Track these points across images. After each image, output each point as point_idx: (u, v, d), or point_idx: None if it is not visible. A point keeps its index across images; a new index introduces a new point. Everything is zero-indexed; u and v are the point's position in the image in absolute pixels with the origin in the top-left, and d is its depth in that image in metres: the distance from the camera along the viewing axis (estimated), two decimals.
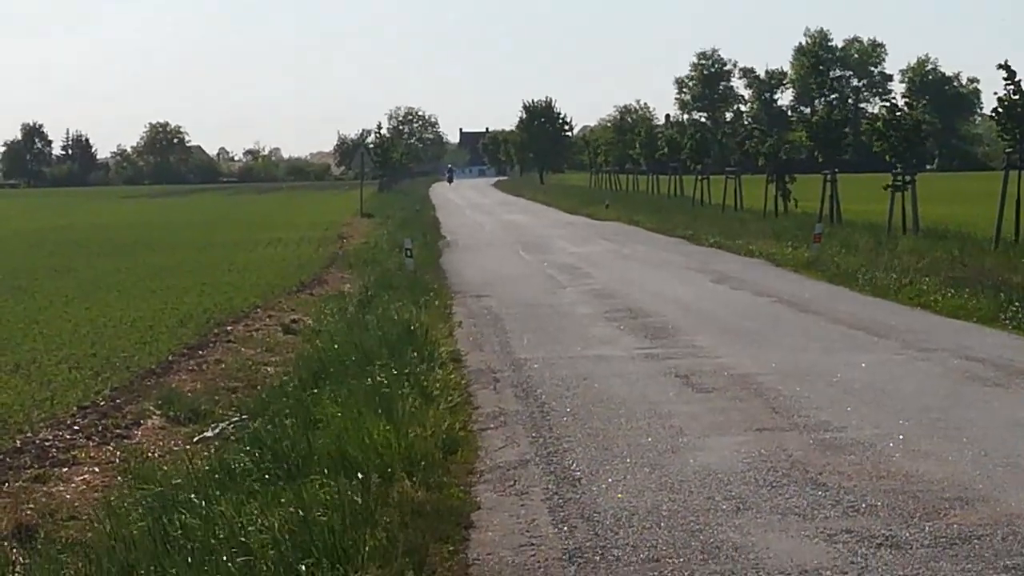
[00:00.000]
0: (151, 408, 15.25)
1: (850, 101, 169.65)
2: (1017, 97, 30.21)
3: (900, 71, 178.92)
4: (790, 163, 49.22)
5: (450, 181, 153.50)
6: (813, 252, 32.50)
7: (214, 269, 34.78)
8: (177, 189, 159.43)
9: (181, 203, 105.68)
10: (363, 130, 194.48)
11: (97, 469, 12.73)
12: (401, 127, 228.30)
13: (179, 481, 11.24)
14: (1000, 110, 30.84)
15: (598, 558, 9.28)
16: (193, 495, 10.52)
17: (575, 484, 11.26)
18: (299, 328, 22.33)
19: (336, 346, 17.91)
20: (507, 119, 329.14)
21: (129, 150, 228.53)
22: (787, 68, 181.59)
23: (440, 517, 10.19)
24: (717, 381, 15.99)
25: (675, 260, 34.84)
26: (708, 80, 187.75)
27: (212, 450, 12.87)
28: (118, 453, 13.32)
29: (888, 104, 39.31)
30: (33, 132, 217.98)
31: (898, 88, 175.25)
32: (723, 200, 55.53)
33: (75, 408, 15.26)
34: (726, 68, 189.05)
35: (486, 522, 10.28)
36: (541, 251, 39.67)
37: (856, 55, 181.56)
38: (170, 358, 19.11)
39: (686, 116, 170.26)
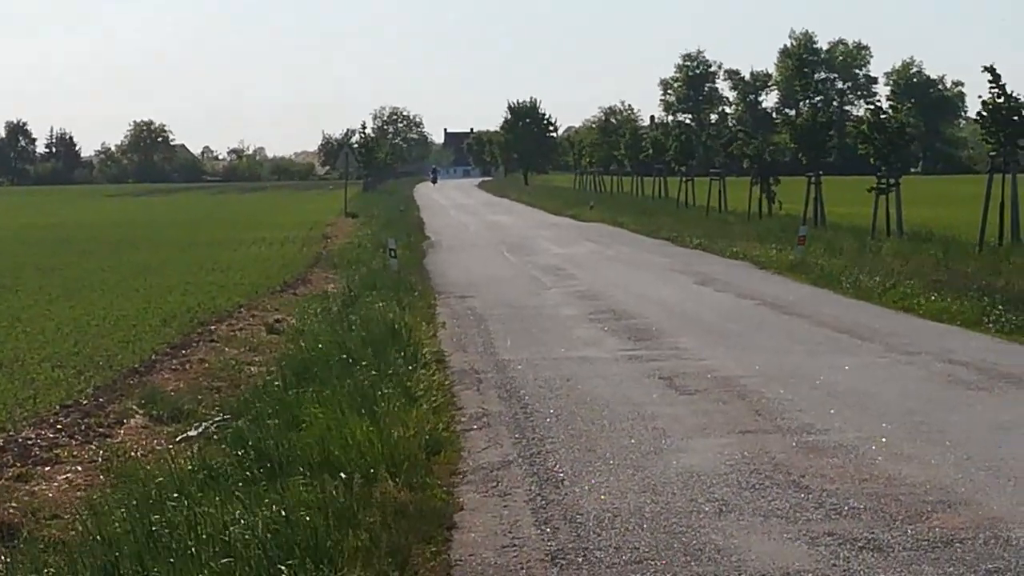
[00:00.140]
0: (134, 407, 15.23)
1: (835, 104, 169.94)
2: (1001, 100, 30.30)
3: (885, 74, 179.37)
4: (774, 165, 49.32)
5: (434, 182, 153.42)
6: (797, 254, 32.53)
7: (198, 268, 34.73)
8: (161, 188, 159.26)
9: (165, 202, 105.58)
10: (348, 130, 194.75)
11: (80, 468, 12.71)
12: (386, 127, 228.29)
13: (161, 480, 11.21)
14: (984, 113, 30.94)
15: (581, 559, 9.28)
16: (176, 494, 10.51)
17: (558, 485, 11.27)
18: (283, 328, 22.31)
19: (320, 346, 17.90)
20: (492, 120, 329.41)
21: (113, 148, 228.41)
22: (772, 70, 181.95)
23: (423, 518, 10.19)
24: (700, 383, 16.00)
25: (659, 262, 34.86)
26: (693, 82, 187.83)
27: (195, 450, 12.84)
28: (101, 452, 13.29)
29: (873, 107, 39.41)
30: (17, 130, 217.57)
31: (883, 91, 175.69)
32: (707, 202, 55.64)
33: (58, 407, 15.22)
34: (711, 70, 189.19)
35: (469, 523, 10.28)
36: (525, 252, 39.68)
37: (841, 57, 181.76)
38: (153, 357, 19.07)
39: (671, 117, 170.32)
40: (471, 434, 13.57)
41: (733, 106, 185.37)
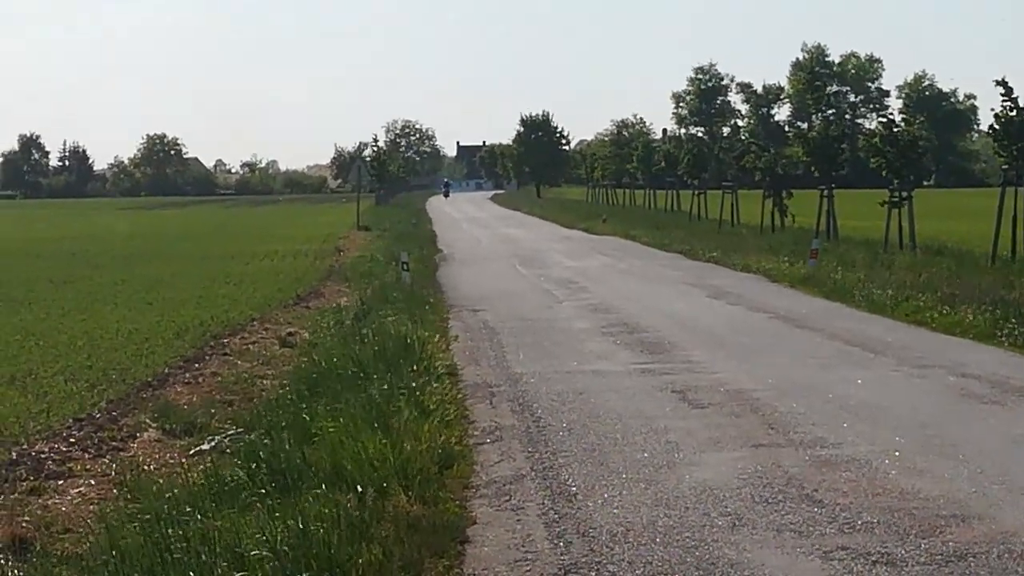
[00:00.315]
0: (147, 421, 15.24)
1: (847, 117, 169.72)
2: (1014, 114, 30.26)
3: (897, 87, 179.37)
4: (787, 178, 49.25)
5: (447, 195, 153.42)
6: (810, 268, 32.51)
7: (210, 281, 34.75)
8: (174, 201, 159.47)
9: (178, 215, 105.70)
10: (360, 143, 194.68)
11: (93, 482, 12.72)
12: (398, 140, 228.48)
13: (174, 494, 11.22)
14: (997, 127, 30.89)
15: (594, 574, 9.28)
16: (188, 508, 10.52)
17: (571, 499, 11.26)
18: (295, 341, 22.32)
19: (333, 359, 17.90)
20: (504, 133, 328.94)
21: (126, 161, 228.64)
22: (784, 83, 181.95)
23: (436, 532, 10.19)
24: (713, 397, 15.99)
25: (672, 275, 34.85)
26: (705, 95, 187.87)
27: (208, 463, 12.86)
28: (114, 466, 13.31)
29: (885, 120, 39.34)
30: (30, 143, 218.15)
31: (895, 104, 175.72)
32: (720, 215, 55.60)
33: (71, 420, 15.24)
34: (723, 83, 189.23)
35: (482, 537, 10.28)
36: (538, 265, 39.67)
37: (853, 71, 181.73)
38: (166, 370, 19.09)
39: (683, 131, 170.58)
40: (484, 448, 13.57)
41: (745, 119, 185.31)
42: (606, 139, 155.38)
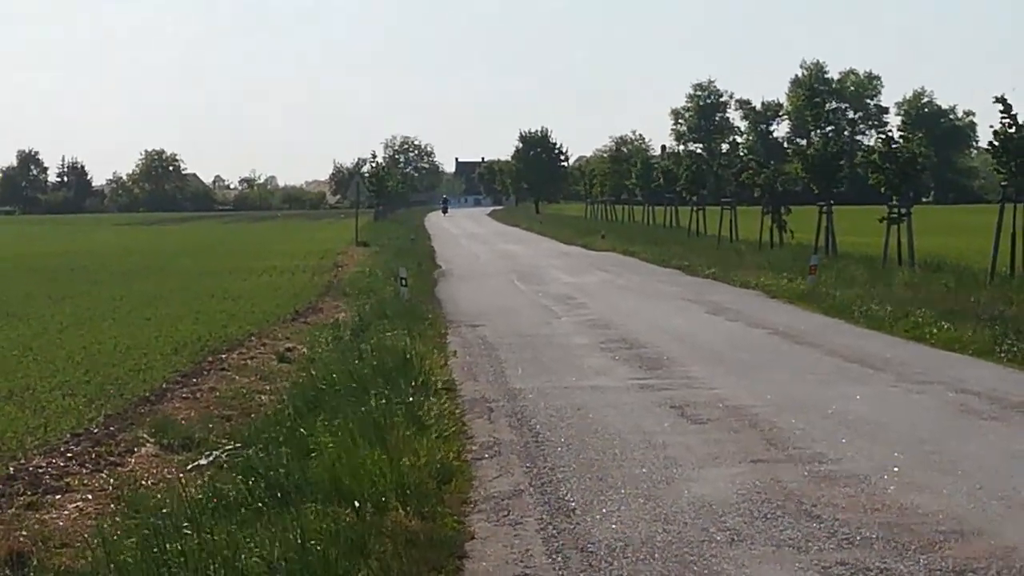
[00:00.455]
0: (145, 436, 15.21)
1: (846, 133, 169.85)
2: (1013, 130, 30.27)
3: (896, 104, 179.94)
4: (786, 195, 49.29)
5: (445, 211, 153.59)
6: (809, 284, 32.50)
7: (208, 297, 34.73)
8: (172, 217, 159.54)
9: (176, 231, 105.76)
10: (359, 159, 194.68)
11: (90, 496, 12.70)
12: (397, 156, 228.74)
13: (172, 509, 11.19)
14: (996, 143, 30.89)
15: None
16: (186, 523, 10.49)
17: (569, 515, 11.24)
18: (294, 357, 22.31)
19: (331, 375, 17.88)
20: (503, 149, 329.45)
21: (124, 177, 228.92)
22: (783, 100, 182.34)
23: (434, 547, 10.17)
24: (712, 412, 15.97)
25: (670, 291, 34.84)
26: (704, 111, 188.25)
27: (206, 478, 12.84)
28: (111, 481, 13.28)
29: (884, 136, 39.30)
30: (28, 159, 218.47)
31: (894, 121, 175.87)
32: (719, 231, 55.60)
33: (69, 435, 15.20)
34: (722, 99, 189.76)
35: (480, 552, 10.26)
36: (536, 281, 39.66)
37: (852, 87, 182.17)
38: (164, 386, 19.06)
39: (682, 147, 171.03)
40: (482, 463, 13.55)
41: (744, 135, 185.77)
42: (605, 155, 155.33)
